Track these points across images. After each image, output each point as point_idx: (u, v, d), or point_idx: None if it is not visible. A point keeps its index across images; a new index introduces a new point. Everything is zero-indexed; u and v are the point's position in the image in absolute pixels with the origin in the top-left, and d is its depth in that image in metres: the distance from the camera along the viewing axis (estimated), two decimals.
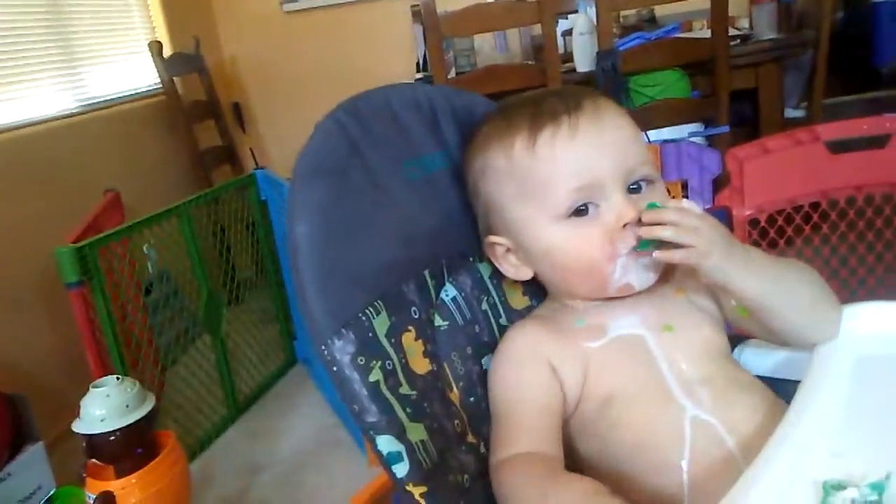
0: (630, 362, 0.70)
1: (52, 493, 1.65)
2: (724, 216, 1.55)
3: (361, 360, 0.62)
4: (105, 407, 1.36)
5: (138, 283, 2.04)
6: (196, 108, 3.13)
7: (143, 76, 3.00)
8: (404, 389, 0.64)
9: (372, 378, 0.62)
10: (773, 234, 1.68)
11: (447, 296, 0.74)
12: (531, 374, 0.70)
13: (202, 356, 2.14)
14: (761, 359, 0.77)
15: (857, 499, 0.51)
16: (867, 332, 0.70)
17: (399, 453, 0.62)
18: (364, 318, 0.64)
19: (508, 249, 0.75)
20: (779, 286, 0.67)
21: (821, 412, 0.61)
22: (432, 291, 0.73)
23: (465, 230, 0.78)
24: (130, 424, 1.37)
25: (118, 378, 1.42)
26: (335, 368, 0.62)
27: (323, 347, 0.62)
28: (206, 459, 1.91)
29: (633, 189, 0.70)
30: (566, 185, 0.69)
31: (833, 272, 1.66)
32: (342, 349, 0.62)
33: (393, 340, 0.66)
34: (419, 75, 3.25)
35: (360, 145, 0.70)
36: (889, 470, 0.52)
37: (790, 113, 2.98)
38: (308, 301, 0.63)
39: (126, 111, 2.81)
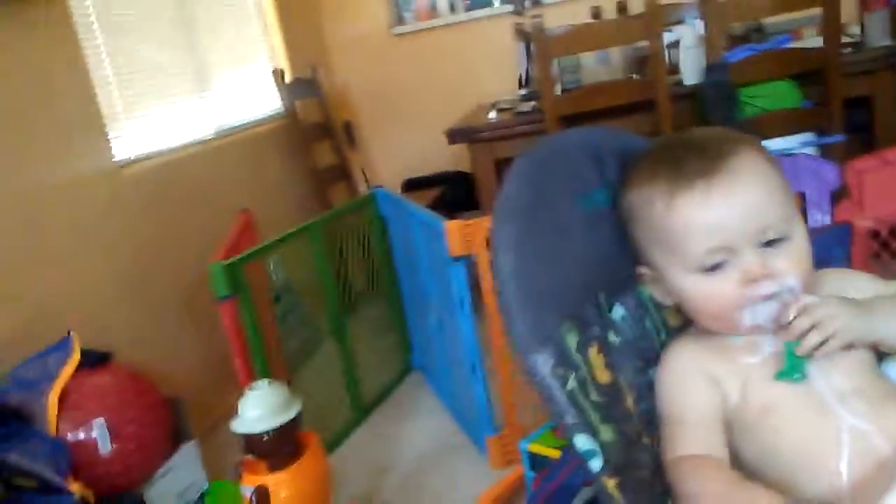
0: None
1: (206, 487, 1.82)
2: (845, 231, 1.56)
3: (559, 371, 0.73)
4: (261, 408, 1.50)
5: (267, 296, 2.21)
6: (313, 130, 3.33)
7: (267, 102, 3.21)
8: (594, 396, 0.74)
9: (569, 386, 0.73)
10: (895, 246, 1.67)
11: (617, 315, 0.84)
12: (694, 385, 0.78)
13: (324, 363, 2.28)
14: None
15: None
16: None
17: (593, 451, 0.72)
18: (559, 334, 0.75)
19: (654, 279, 0.84)
20: None
21: None
22: (606, 311, 0.82)
23: (626, 258, 0.86)
24: (283, 424, 1.51)
25: (270, 381, 1.56)
26: (537, 378, 0.73)
27: (527, 360, 0.73)
28: (338, 459, 2.04)
29: (770, 243, 0.76)
30: (699, 245, 0.76)
31: None
32: (544, 362, 0.73)
33: (581, 353, 0.76)
34: (522, 91, 3.33)
35: (542, 186, 0.81)
36: None
37: None
38: (514, 323, 0.74)
39: (253, 135, 3.03)
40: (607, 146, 0.88)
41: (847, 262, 1.18)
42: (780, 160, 0.84)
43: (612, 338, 0.81)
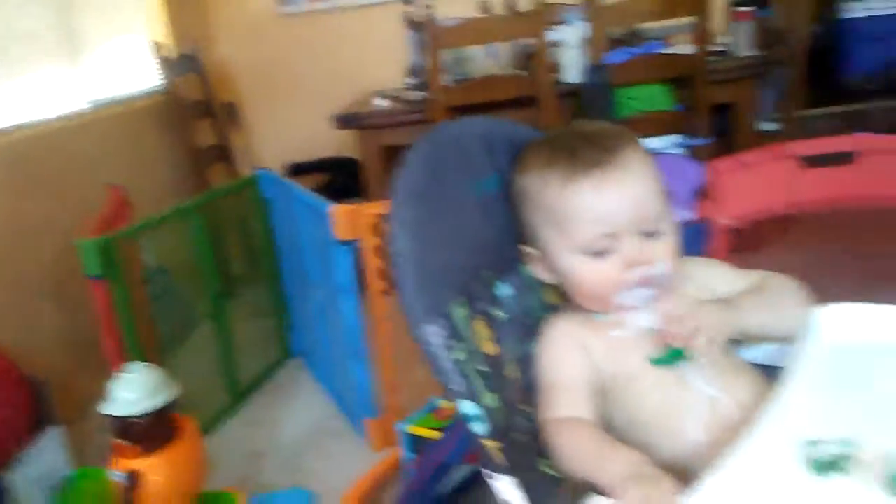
0: (648, 350, 0.84)
1: (71, 473, 1.74)
2: (705, 227, 1.68)
3: (449, 343, 0.78)
4: (134, 391, 1.46)
5: (140, 277, 2.13)
6: (193, 108, 3.22)
7: (144, 76, 3.07)
8: (479, 366, 0.80)
9: (457, 357, 0.78)
10: (749, 242, 1.82)
11: (503, 293, 0.89)
12: (569, 354, 0.86)
13: (200, 348, 2.22)
14: (752, 349, 0.91)
15: (832, 451, 0.65)
16: (836, 328, 0.84)
17: (478, 415, 0.77)
18: (449, 310, 0.80)
19: (538, 258, 0.91)
20: (775, 312, 0.85)
21: (801, 390, 0.75)
22: (493, 289, 0.88)
23: (514, 240, 0.93)
24: (157, 407, 1.47)
25: (145, 364, 1.51)
26: (429, 348, 0.78)
27: (418, 332, 0.77)
28: (211, 444, 1.98)
29: (649, 233, 0.84)
30: (589, 230, 0.83)
31: (803, 278, 1.80)
32: (435, 333, 0.77)
33: (469, 327, 0.81)
34: (410, 80, 3.35)
35: (438, 171, 0.85)
36: (855, 431, 0.66)
37: (765, 125, 3.13)
38: (408, 298, 0.78)
39: (130, 110, 2.89)
40: (498, 135, 0.93)
41: (707, 255, 1.28)
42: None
43: (498, 313, 0.87)
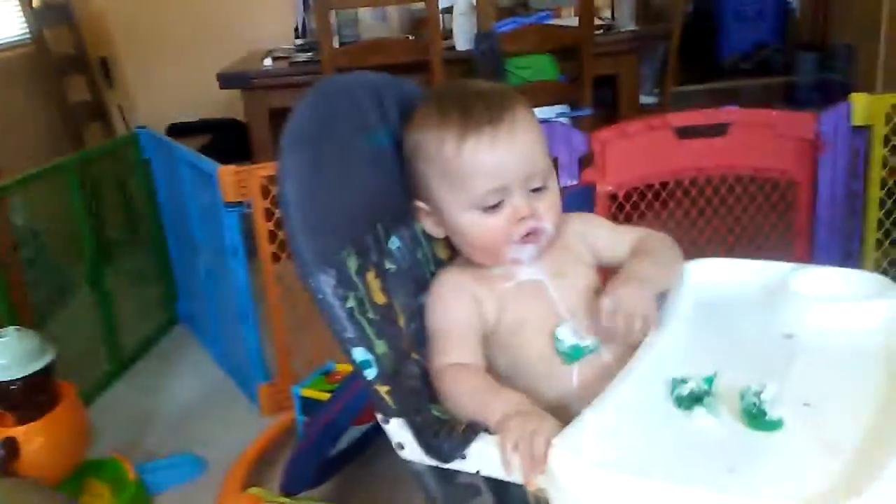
0: (533, 299, 0.90)
1: None
2: (589, 192, 1.76)
3: (340, 291, 0.78)
4: (7, 356, 1.39)
5: (9, 240, 2.02)
6: (64, 62, 3.04)
7: (9, 26, 2.86)
8: (370, 314, 0.81)
9: (348, 305, 0.79)
10: (629, 208, 1.91)
11: (393, 245, 0.91)
12: (458, 303, 0.89)
13: (79, 314, 2.13)
14: None
15: (695, 388, 0.71)
16: (702, 281, 0.94)
17: (369, 361, 0.79)
18: (340, 258, 0.80)
19: (429, 213, 0.93)
20: (668, 272, 0.92)
21: (671, 335, 0.83)
22: (383, 241, 0.89)
23: (404, 194, 0.95)
24: (33, 373, 1.41)
25: (18, 328, 1.45)
26: (320, 296, 0.78)
27: (310, 280, 0.78)
28: (94, 412, 1.93)
29: (535, 190, 0.88)
30: (482, 185, 0.86)
31: (677, 240, 1.91)
32: (326, 282, 0.78)
33: (360, 277, 0.82)
34: (299, 41, 3.29)
35: (328, 120, 0.85)
36: (716, 370, 0.73)
37: (644, 99, 3.27)
38: (298, 245, 0.78)
39: None
40: (390, 90, 0.95)
41: None
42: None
43: (388, 265, 0.89)
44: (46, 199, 2.02)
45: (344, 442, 1.59)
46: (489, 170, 0.86)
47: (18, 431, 1.41)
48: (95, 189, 2.20)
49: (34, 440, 1.42)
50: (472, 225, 0.88)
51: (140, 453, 1.78)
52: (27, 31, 2.85)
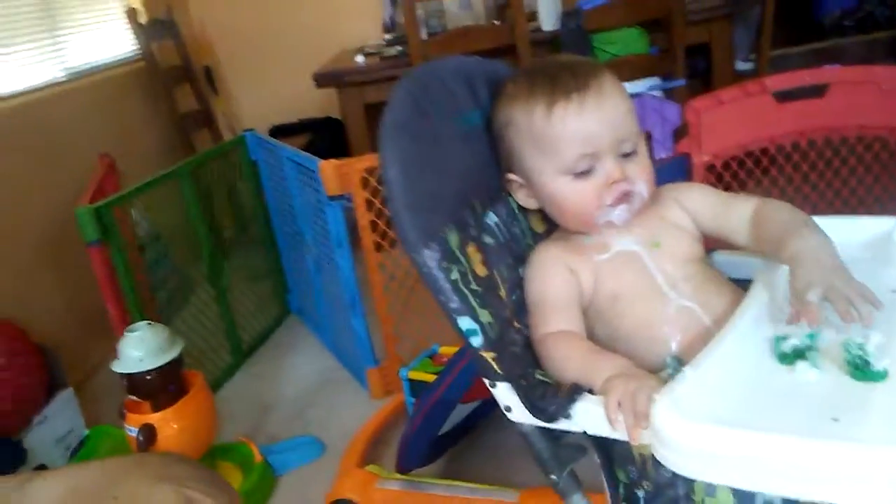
0: (629, 270, 0.91)
1: (86, 432, 1.80)
2: (684, 162, 1.74)
3: (444, 265, 0.82)
4: (142, 348, 1.51)
5: (135, 244, 2.17)
6: (172, 74, 3.22)
7: (121, 44, 3.06)
8: (473, 286, 0.85)
9: (452, 277, 0.82)
10: (728, 177, 1.87)
11: (490, 220, 0.95)
12: (557, 274, 0.92)
13: (200, 310, 2.27)
14: (728, 264, 0.99)
15: (798, 343, 0.72)
16: None
17: (475, 329, 0.82)
18: (442, 234, 0.85)
19: (521, 185, 0.96)
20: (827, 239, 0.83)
21: (769, 295, 0.82)
22: (481, 217, 0.93)
23: (498, 172, 0.98)
24: (165, 363, 1.53)
25: (149, 323, 1.57)
26: (426, 270, 0.82)
27: (416, 256, 0.82)
28: (220, 399, 2.06)
29: (625, 155, 0.90)
30: (573, 150, 0.89)
31: None
32: (431, 257, 0.82)
33: (462, 251, 0.86)
34: (388, 36, 3.36)
35: (422, 105, 0.89)
36: (820, 326, 0.73)
37: (740, 66, 3.17)
38: (403, 223, 0.82)
39: (108, 78, 2.89)
40: (478, 72, 0.98)
41: None
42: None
43: (487, 240, 0.92)
44: (165, 204, 2.16)
45: (453, 421, 1.64)
46: (579, 135, 0.88)
47: (154, 418, 1.53)
48: (208, 192, 2.35)
49: (169, 426, 1.53)
50: (564, 191, 0.91)
51: (263, 437, 1.89)
52: (137, 47, 3.04)
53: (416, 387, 1.73)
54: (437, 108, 0.91)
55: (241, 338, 2.34)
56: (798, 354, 0.71)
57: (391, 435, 1.77)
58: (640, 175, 0.90)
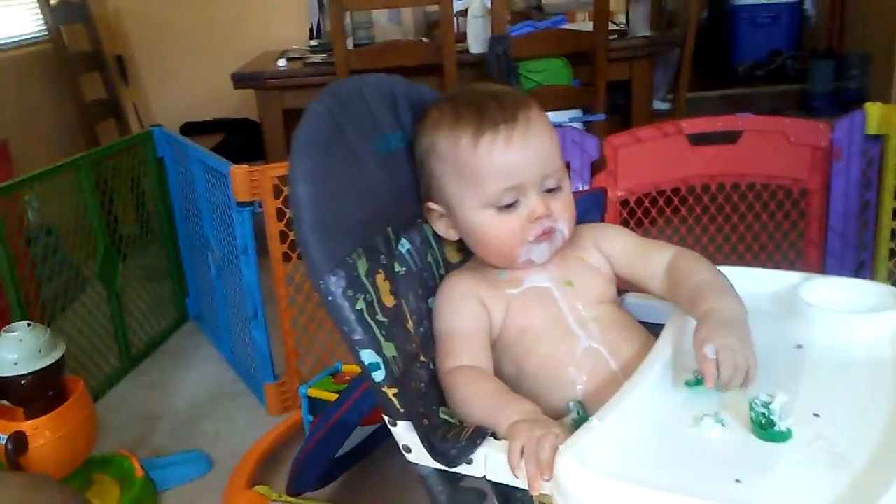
0: (539, 305, 0.90)
1: None
2: (600, 196, 1.75)
3: (350, 293, 0.78)
4: (17, 351, 1.40)
5: (22, 235, 2.03)
6: (80, 60, 3.06)
7: (27, 23, 2.89)
8: (379, 317, 0.81)
9: (358, 307, 0.79)
10: (640, 214, 1.91)
11: (403, 248, 0.91)
12: (467, 306, 0.89)
13: (89, 311, 2.14)
14: (639, 307, 0.98)
15: (713, 388, 0.72)
16: None
17: (377, 363, 0.78)
18: (350, 260, 0.80)
19: (442, 215, 0.94)
20: (739, 300, 0.83)
21: (679, 346, 0.81)
22: (393, 244, 0.90)
23: (415, 198, 0.95)
24: (42, 368, 1.42)
25: (29, 324, 1.45)
26: (330, 298, 0.78)
27: (321, 282, 0.78)
28: (103, 408, 1.94)
29: (548, 189, 0.89)
30: (498, 183, 0.87)
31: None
32: (336, 284, 0.78)
33: (370, 279, 0.82)
34: (313, 42, 3.30)
35: (340, 123, 0.85)
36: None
37: (658, 105, 3.26)
38: (309, 247, 0.78)
39: (9, 58, 2.72)
40: (402, 93, 0.95)
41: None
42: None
43: (398, 268, 0.89)
44: (60, 196, 2.03)
45: (351, 443, 1.59)
46: (505, 168, 0.86)
47: (27, 426, 1.41)
48: (109, 186, 2.22)
49: (42, 435, 1.42)
50: (488, 224, 0.89)
51: (148, 450, 1.79)
52: (44, 28, 2.87)
53: (316, 405, 1.67)
54: (356, 127, 0.87)
55: (132, 342, 2.21)
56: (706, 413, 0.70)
57: (286, 454, 1.70)
58: (562, 212, 0.89)
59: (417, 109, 0.95)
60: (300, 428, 1.75)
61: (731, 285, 0.86)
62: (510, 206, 0.88)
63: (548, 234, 0.88)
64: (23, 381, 1.40)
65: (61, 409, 1.45)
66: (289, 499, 1.47)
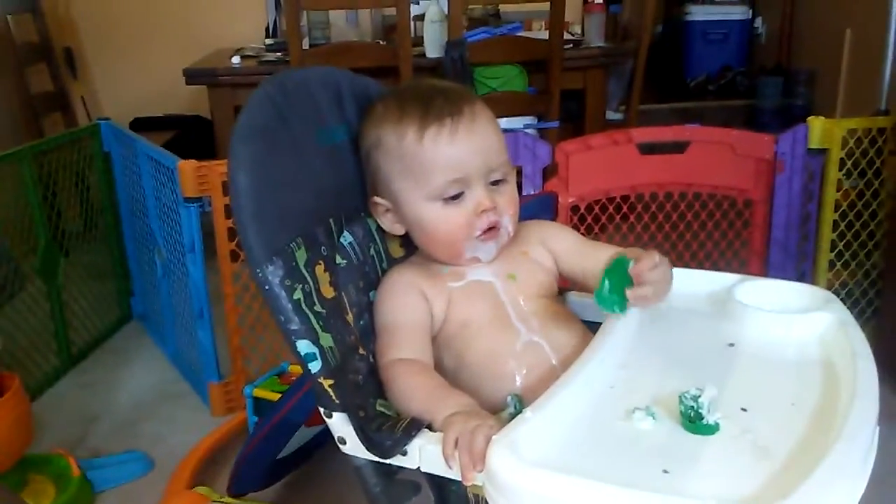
0: (481, 298, 0.91)
1: None
2: (551, 200, 1.77)
3: (287, 283, 0.78)
4: None
5: None
6: (27, 50, 2.98)
7: None
8: (317, 308, 0.80)
9: (295, 297, 0.78)
10: (591, 220, 1.93)
11: (345, 241, 0.91)
12: (409, 299, 0.89)
13: (28, 307, 2.08)
14: (581, 306, 1.00)
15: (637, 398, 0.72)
16: None
17: (314, 354, 0.78)
18: (289, 250, 0.80)
19: (388, 209, 0.93)
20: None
21: (615, 341, 0.83)
22: (335, 236, 0.89)
23: (359, 191, 0.95)
24: None
25: None
26: (267, 287, 0.77)
27: (258, 271, 0.77)
28: (40, 407, 1.89)
29: (494, 183, 0.89)
30: (443, 176, 0.87)
31: None
32: (273, 273, 0.77)
33: (309, 270, 0.82)
34: (269, 41, 3.27)
35: (284, 113, 0.84)
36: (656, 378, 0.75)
37: (611, 115, 3.30)
38: (247, 234, 0.77)
39: None
40: (347, 86, 0.95)
41: None
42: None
43: (339, 260, 0.88)
44: (1, 188, 1.97)
45: (294, 444, 1.57)
46: (450, 161, 0.87)
47: None
48: (53, 180, 2.17)
49: None
50: (433, 217, 0.89)
51: (86, 450, 1.75)
52: None
53: (261, 405, 1.65)
54: (299, 117, 0.86)
55: (73, 341, 2.16)
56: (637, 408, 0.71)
57: (229, 455, 1.67)
58: (507, 207, 0.90)
59: (363, 103, 0.95)
60: (244, 428, 1.73)
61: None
62: (455, 199, 0.88)
63: (493, 231, 0.89)
64: None
65: None
66: (230, 500, 1.45)
